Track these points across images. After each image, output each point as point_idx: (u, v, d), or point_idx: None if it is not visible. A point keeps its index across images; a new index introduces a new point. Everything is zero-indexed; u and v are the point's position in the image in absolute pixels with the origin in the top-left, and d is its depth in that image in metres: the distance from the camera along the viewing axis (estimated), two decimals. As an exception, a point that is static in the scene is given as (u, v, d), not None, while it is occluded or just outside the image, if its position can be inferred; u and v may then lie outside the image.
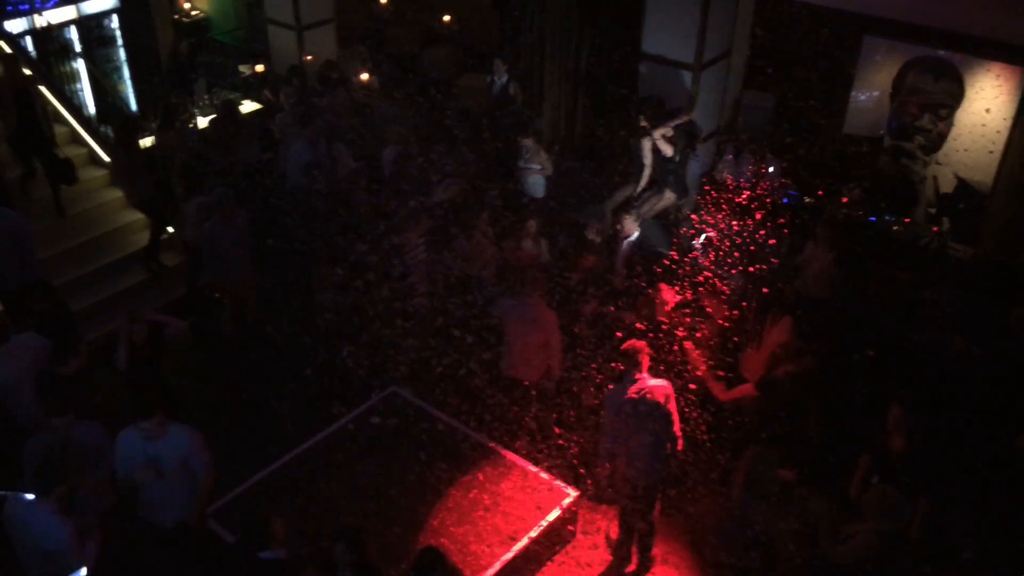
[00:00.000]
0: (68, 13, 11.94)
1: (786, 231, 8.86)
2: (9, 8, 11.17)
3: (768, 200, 8.82)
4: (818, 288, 8.47)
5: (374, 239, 8.80)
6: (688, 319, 7.56)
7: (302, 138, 10.00)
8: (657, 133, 9.53)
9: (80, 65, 11.71)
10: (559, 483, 7.01)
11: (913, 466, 5.90)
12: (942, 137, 9.53)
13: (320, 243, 8.94)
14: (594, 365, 7.35)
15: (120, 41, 12.92)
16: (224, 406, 8.13)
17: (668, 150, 9.57)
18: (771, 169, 10.22)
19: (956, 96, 9.34)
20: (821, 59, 10.04)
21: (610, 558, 6.98)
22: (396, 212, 9.02)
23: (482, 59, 12.68)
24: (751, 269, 8.14)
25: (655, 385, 6.31)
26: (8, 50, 10.63)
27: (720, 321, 7.65)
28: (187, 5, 15.43)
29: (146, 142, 10.38)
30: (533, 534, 6.60)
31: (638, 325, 6.63)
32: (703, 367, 7.32)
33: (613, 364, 6.80)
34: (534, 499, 6.85)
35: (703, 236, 9.10)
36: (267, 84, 12.28)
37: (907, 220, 9.48)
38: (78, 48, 12.09)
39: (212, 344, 9.14)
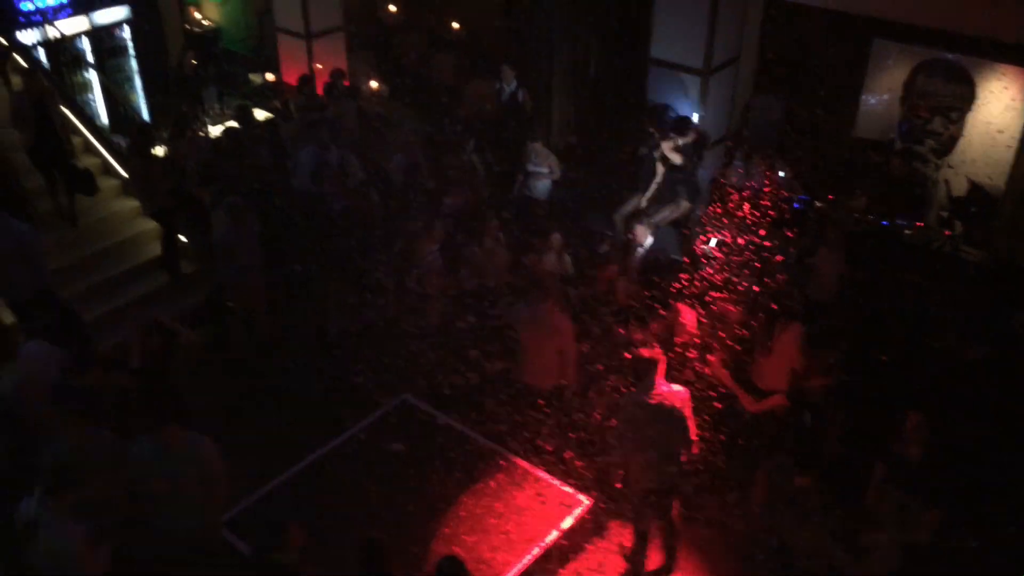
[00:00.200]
0: (80, 24, 12.03)
1: (796, 236, 8.84)
2: (22, 19, 11.27)
3: (778, 205, 8.81)
4: (828, 293, 8.45)
5: (386, 247, 8.83)
6: (709, 333, 7.55)
7: (311, 144, 10.04)
8: (666, 146, 9.53)
9: (92, 75, 11.78)
10: (572, 491, 7.00)
11: (929, 475, 5.87)
12: (953, 140, 9.50)
13: (331, 251, 8.97)
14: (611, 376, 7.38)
15: (132, 51, 13.00)
16: (236, 415, 8.15)
17: (677, 159, 9.57)
18: (781, 174, 10.20)
19: (967, 99, 9.31)
20: (831, 63, 10.02)
21: (624, 565, 6.96)
22: (407, 220, 9.04)
23: (491, 66, 12.71)
24: (761, 276, 8.13)
25: (672, 391, 6.30)
26: (26, 63, 10.72)
27: (737, 330, 7.64)
28: (198, 15, 15.53)
29: (159, 151, 10.43)
30: (546, 542, 6.59)
31: (655, 348, 6.60)
32: (729, 380, 7.34)
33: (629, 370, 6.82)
34: (547, 507, 6.84)
35: (714, 241, 9.09)
36: (277, 93, 12.35)
37: (919, 224, 9.44)
38: (90, 58, 12.16)
39: (223, 352, 9.16)
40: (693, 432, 6.41)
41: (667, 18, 9.84)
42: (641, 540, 6.80)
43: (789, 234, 8.76)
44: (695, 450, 6.50)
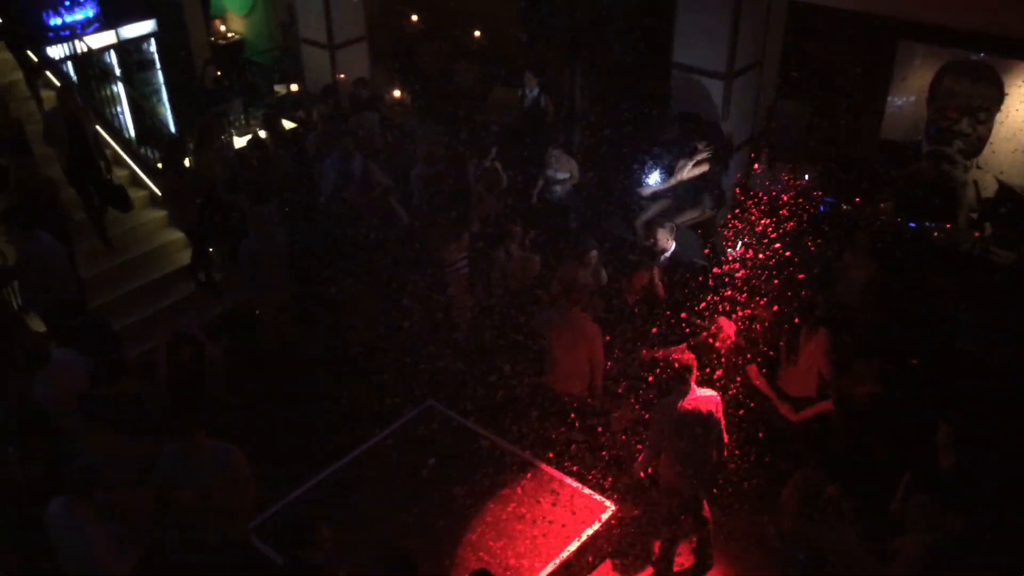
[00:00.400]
0: (108, 38, 12.20)
1: (823, 240, 8.78)
2: (51, 35, 11.46)
3: (803, 209, 8.75)
4: (855, 297, 8.36)
5: (411, 255, 8.87)
6: (747, 344, 7.51)
7: (337, 151, 10.13)
8: (686, 169, 9.50)
9: (120, 89, 11.96)
10: (598, 496, 6.97)
11: (959, 484, 5.80)
12: (982, 141, 9.38)
13: (356, 260, 9.02)
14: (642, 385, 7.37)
15: (158, 65, 13.17)
16: (262, 422, 8.20)
17: (702, 169, 9.53)
18: (806, 177, 10.13)
19: (995, 99, 9.20)
20: (855, 65, 9.94)
21: (651, 571, 6.92)
22: (432, 229, 9.08)
23: (513, 73, 12.75)
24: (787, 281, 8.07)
25: (704, 396, 6.35)
26: (58, 81, 10.89)
27: (769, 336, 7.59)
28: (223, 28, 15.72)
29: (188, 163, 10.55)
30: (572, 548, 6.57)
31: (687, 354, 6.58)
32: (768, 389, 7.30)
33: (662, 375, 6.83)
34: (573, 513, 6.82)
35: (739, 244, 9.04)
36: (301, 103, 12.45)
37: (948, 226, 9.33)
38: (118, 72, 12.34)
39: (250, 360, 9.23)
40: (725, 436, 6.41)
41: (689, 22, 9.82)
42: (670, 545, 6.76)
43: (816, 238, 8.69)
44: (726, 453, 6.51)
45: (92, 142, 9.80)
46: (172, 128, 12.88)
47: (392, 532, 6.58)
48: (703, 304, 7.86)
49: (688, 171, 9.60)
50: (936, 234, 9.28)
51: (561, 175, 10.48)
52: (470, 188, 10.21)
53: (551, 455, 7.28)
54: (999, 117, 9.22)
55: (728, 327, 7.53)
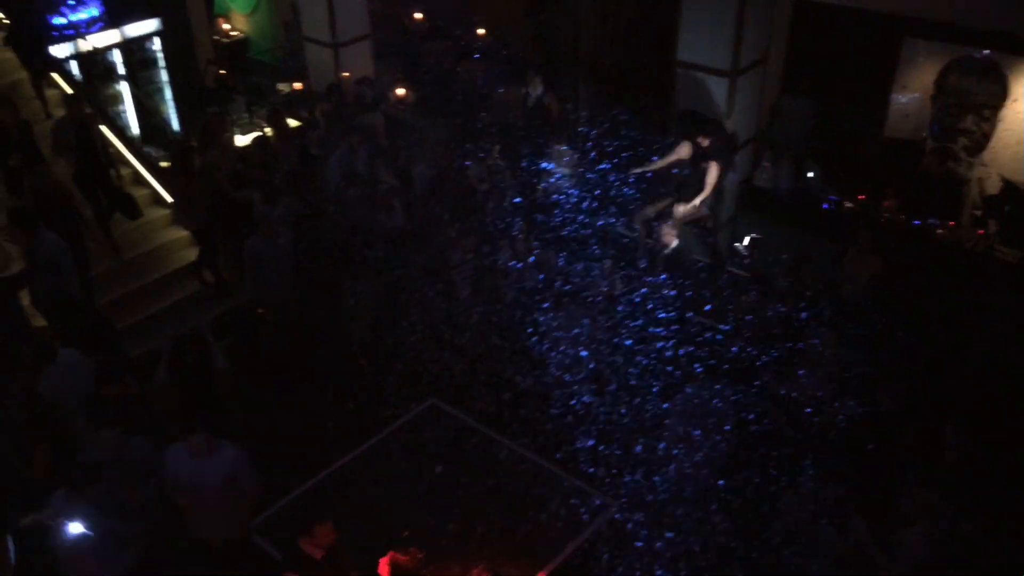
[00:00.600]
0: (112, 37, 12.24)
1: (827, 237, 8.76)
2: (55, 34, 11.48)
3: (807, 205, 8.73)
4: (860, 294, 8.34)
5: (416, 255, 8.87)
6: None
7: (342, 148, 10.12)
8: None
9: (124, 87, 11.98)
10: (599, 495, 6.96)
11: (963, 482, 5.80)
12: (986, 138, 9.35)
13: (360, 258, 9.03)
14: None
15: (162, 63, 13.18)
16: (265, 421, 8.21)
17: (714, 172, 9.50)
18: (810, 175, 10.11)
19: (1000, 96, 9.16)
20: (860, 62, 9.92)
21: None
22: (437, 229, 9.08)
23: (518, 71, 12.73)
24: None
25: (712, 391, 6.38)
26: (70, 90, 10.93)
27: None
28: (226, 26, 15.73)
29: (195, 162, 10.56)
30: (573, 546, 6.56)
31: None
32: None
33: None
34: (574, 511, 6.81)
35: (748, 238, 9.03)
36: (304, 102, 12.45)
37: (952, 223, 9.30)
38: (122, 71, 12.35)
39: (254, 360, 9.24)
40: None
41: (694, 20, 9.79)
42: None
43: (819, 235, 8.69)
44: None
45: (102, 150, 9.82)
46: (176, 126, 12.91)
47: (394, 529, 6.58)
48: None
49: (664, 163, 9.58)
50: (940, 231, 9.25)
51: (564, 171, 10.47)
52: (474, 188, 10.21)
53: (553, 453, 7.27)
54: (1004, 114, 9.20)
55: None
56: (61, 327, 7.79)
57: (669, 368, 7.40)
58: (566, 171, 10.46)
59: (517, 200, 10.28)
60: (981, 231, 9.15)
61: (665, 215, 9.57)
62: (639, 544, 6.75)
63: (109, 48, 12.25)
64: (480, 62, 13.55)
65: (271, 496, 6.86)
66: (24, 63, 11.22)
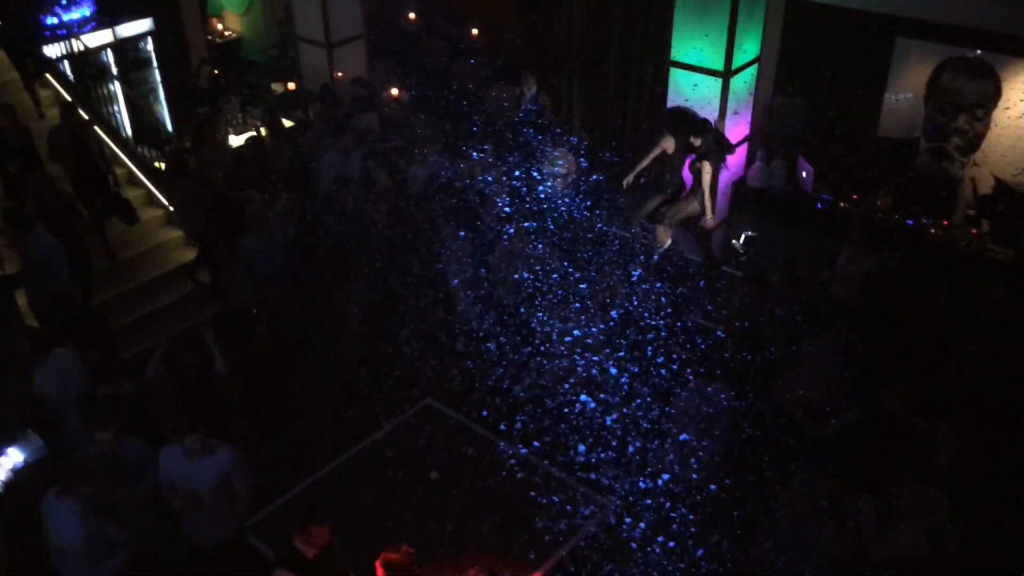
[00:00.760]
0: (104, 37, 12.18)
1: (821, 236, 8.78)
2: (48, 33, 11.43)
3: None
4: (853, 293, 8.35)
5: (411, 256, 8.86)
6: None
7: (335, 148, 10.11)
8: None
9: (117, 87, 11.94)
10: (595, 494, 6.97)
11: (957, 482, 5.81)
12: (979, 138, 9.38)
13: (354, 259, 9.01)
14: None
15: (155, 63, 13.14)
16: (260, 420, 8.21)
17: (707, 171, 9.51)
18: (804, 174, 10.13)
19: (992, 96, 9.19)
20: (853, 62, 9.95)
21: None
22: (433, 229, 9.08)
23: (511, 71, 12.73)
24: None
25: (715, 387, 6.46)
26: (64, 92, 10.86)
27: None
28: (219, 26, 15.69)
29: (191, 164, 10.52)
30: (568, 545, 6.57)
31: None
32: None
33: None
34: (570, 510, 6.82)
35: (743, 236, 9.03)
36: (298, 102, 12.43)
37: (945, 223, 9.33)
38: (114, 71, 12.31)
39: (247, 360, 9.23)
40: None
41: (688, 20, 9.81)
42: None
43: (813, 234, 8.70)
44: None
45: (99, 156, 9.79)
46: (169, 127, 12.86)
47: (389, 528, 6.57)
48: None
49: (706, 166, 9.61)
50: (933, 231, 9.27)
51: (559, 170, 10.46)
52: (468, 189, 10.19)
53: (548, 452, 7.28)
54: (997, 114, 9.22)
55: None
56: (54, 322, 7.75)
57: (663, 372, 7.39)
58: (563, 171, 10.45)
59: (510, 201, 10.29)
60: (974, 230, 9.18)
61: (660, 214, 9.59)
62: (634, 545, 6.76)
63: (102, 48, 12.19)
64: (474, 61, 13.55)
65: (265, 497, 6.84)
66: (16, 63, 11.18)
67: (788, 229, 9.84)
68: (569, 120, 12.04)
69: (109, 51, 12.40)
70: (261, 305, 9.10)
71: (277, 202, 9.16)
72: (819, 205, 9.88)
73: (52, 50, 11.42)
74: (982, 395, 6.99)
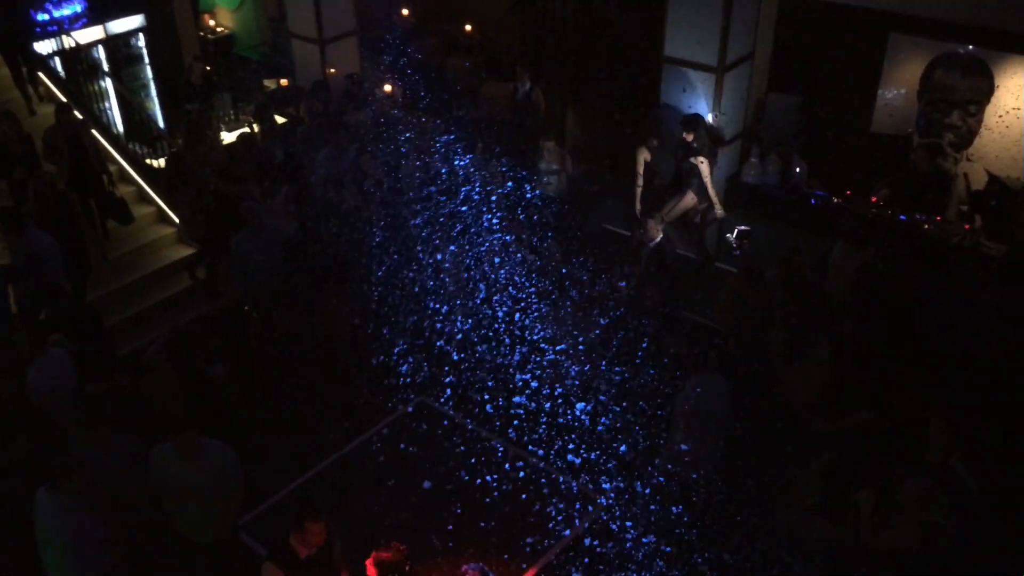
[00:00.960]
0: (96, 33, 12.12)
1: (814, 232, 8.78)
2: (39, 30, 11.37)
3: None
4: (846, 289, 8.36)
5: (403, 252, 8.84)
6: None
7: (329, 146, 10.06)
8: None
9: (108, 84, 11.88)
10: (589, 491, 6.97)
11: (950, 478, 5.82)
12: (972, 134, 9.39)
13: (347, 255, 8.99)
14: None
15: (147, 59, 13.08)
16: (254, 418, 8.18)
17: (704, 168, 9.50)
18: (798, 170, 10.13)
19: (985, 92, 9.21)
20: (846, 58, 9.95)
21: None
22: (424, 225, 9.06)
23: (505, 67, 12.71)
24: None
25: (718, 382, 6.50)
26: (59, 94, 10.79)
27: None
28: (212, 22, 15.64)
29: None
30: (562, 542, 6.57)
31: None
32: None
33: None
34: (563, 507, 6.81)
35: (736, 230, 9.03)
36: (291, 98, 12.39)
37: (938, 218, 9.34)
38: (106, 67, 12.26)
39: (241, 358, 9.20)
40: None
41: (681, 15, 9.80)
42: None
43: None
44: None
45: (94, 156, 9.75)
46: (161, 123, 12.81)
47: (382, 526, 6.56)
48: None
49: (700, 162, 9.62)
50: (926, 226, 9.28)
51: (553, 167, 10.45)
52: (459, 184, 10.18)
53: (542, 450, 7.27)
54: (990, 110, 9.23)
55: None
56: (47, 316, 7.71)
57: (657, 369, 7.40)
58: (556, 168, 10.44)
59: (504, 195, 10.28)
60: (967, 226, 9.19)
61: (654, 210, 9.59)
62: (628, 544, 6.77)
63: (93, 44, 12.13)
64: (467, 58, 13.53)
65: (259, 494, 6.83)
66: (6, 60, 11.13)
67: (782, 225, 9.84)
68: (562, 115, 12.03)
69: (100, 47, 12.34)
70: (254, 302, 9.07)
71: (278, 195, 9.13)
72: (812, 201, 9.88)
73: (43, 47, 11.36)
74: (975, 390, 6.99)
